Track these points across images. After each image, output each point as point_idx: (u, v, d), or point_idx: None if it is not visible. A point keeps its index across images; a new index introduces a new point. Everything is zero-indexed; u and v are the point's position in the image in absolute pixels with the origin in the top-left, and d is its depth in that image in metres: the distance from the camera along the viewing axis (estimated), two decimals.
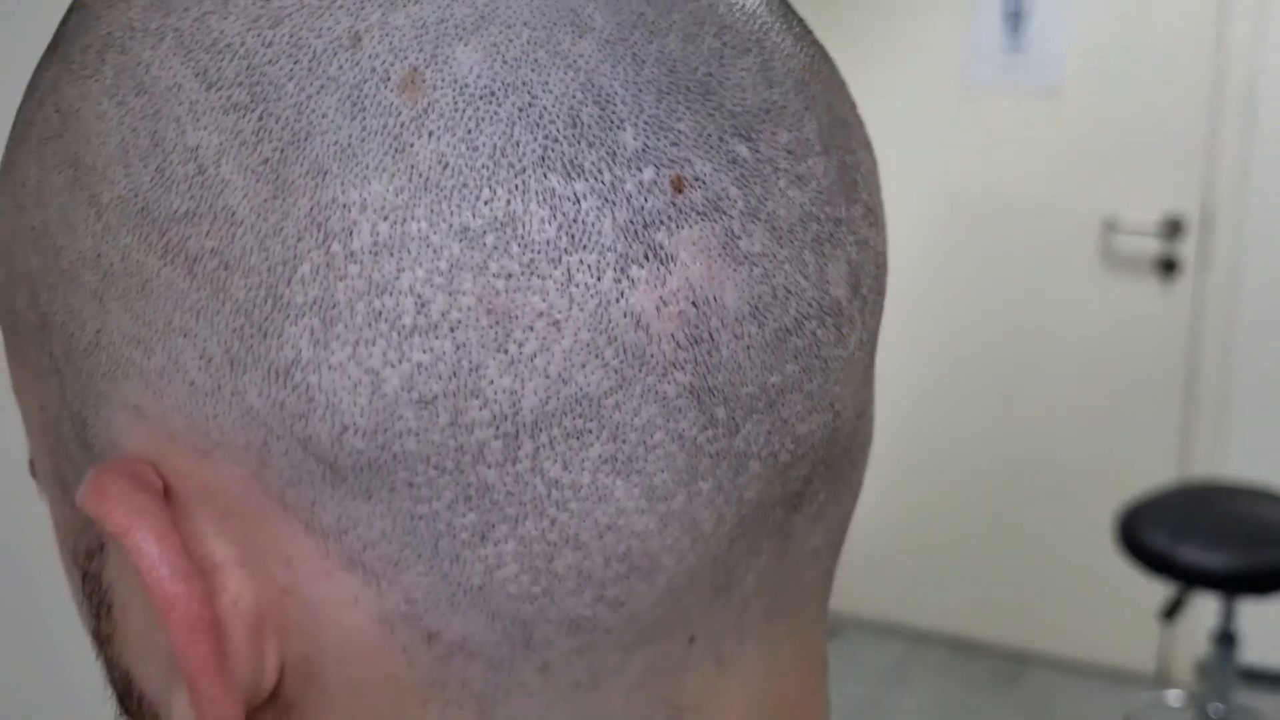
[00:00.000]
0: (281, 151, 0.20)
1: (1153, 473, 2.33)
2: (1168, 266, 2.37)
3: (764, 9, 0.23)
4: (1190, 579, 1.77)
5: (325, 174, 0.19)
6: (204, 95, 0.20)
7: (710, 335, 0.20)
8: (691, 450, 0.21)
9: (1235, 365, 2.32)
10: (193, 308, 0.20)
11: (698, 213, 0.20)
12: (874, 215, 0.24)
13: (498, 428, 0.20)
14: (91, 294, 0.22)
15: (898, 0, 2.53)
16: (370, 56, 0.20)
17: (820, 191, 0.22)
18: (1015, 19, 2.44)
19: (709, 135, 0.21)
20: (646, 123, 0.20)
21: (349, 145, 0.19)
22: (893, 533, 2.70)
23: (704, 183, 0.20)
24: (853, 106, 0.25)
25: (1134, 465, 2.38)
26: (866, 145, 0.25)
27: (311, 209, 0.20)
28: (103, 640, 0.25)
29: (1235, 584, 1.75)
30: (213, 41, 0.20)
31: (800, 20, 0.25)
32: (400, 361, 0.20)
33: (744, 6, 0.23)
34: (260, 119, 0.20)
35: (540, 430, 0.20)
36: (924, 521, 2.68)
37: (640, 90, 0.20)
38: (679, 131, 0.20)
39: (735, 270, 0.21)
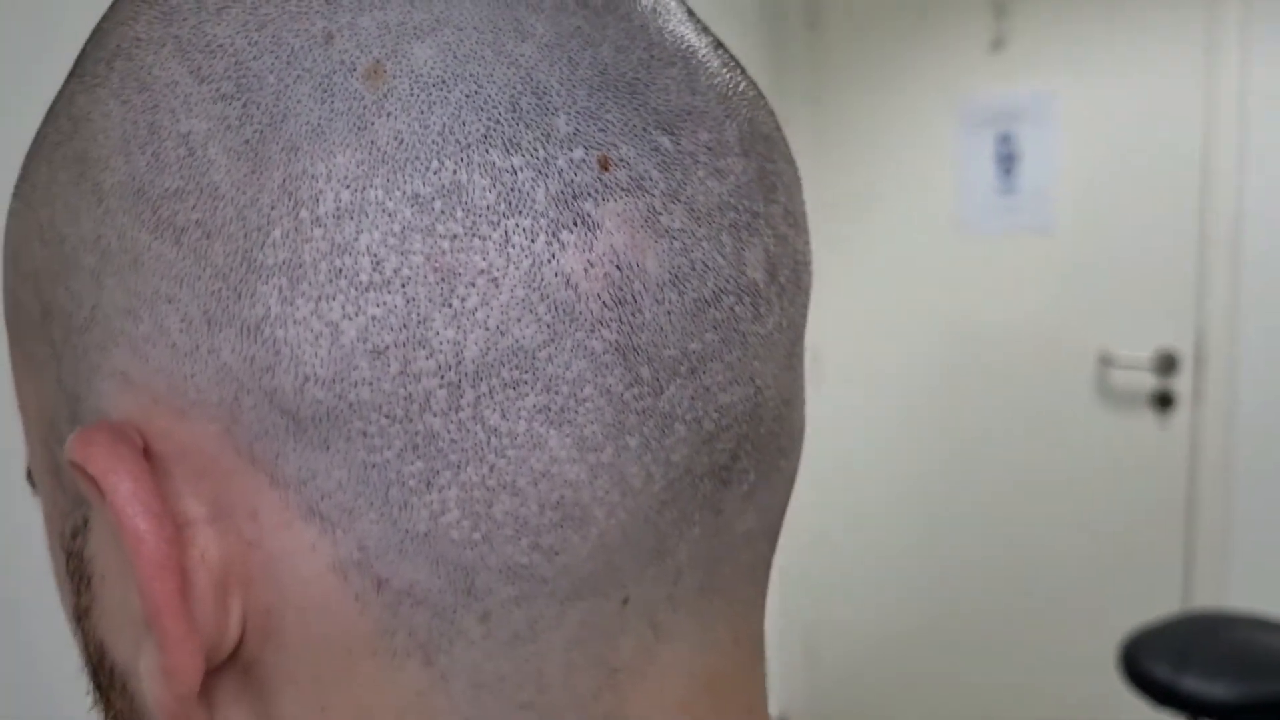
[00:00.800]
0: (260, 133, 0.23)
1: (1156, 604, 2.31)
2: (1163, 401, 2.40)
3: (691, 34, 0.27)
4: (1194, 710, 1.74)
5: (297, 150, 0.22)
6: (196, 88, 0.23)
7: (633, 297, 0.23)
8: (619, 405, 0.23)
9: (1234, 496, 2.32)
10: (178, 276, 0.23)
11: (622, 189, 0.23)
12: (793, 218, 0.27)
13: (442, 377, 0.22)
14: (90, 274, 0.24)
15: (896, 139, 2.62)
16: (340, 51, 0.23)
17: (738, 186, 0.25)
18: (1008, 161, 2.52)
19: (634, 126, 0.24)
20: (578, 112, 0.23)
21: (319, 125, 0.22)
22: (895, 664, 2.66)
23: (628, 164, 0.23)
24: (776, 126, 0.28)
25: (1137, 597, 2.36)
26: (788, 158, 0.28)
27: (284, 180, 0.22)
28: (80, 615, 0.27)
29: (1240, 714, 1.72)
30: (206, 43, 0.24)
31: (728, 51, 0.28)
32: (356, 315, 0.22)
33: (672, 30, 0.26)
34: (244, 106, 0.23)
35: (481, 380, 0.22)
36: (927, 652, 2.64)
37: (574, 86, 0.23)
38: (607, 121, 0.23)
39: (656, 241, 0.23)
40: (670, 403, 0.24)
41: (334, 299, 0.22)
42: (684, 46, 0.26)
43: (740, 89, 0.27)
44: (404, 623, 0.24)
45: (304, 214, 0.22)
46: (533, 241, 0.22)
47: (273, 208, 0.22)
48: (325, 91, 0.23)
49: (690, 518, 0.25)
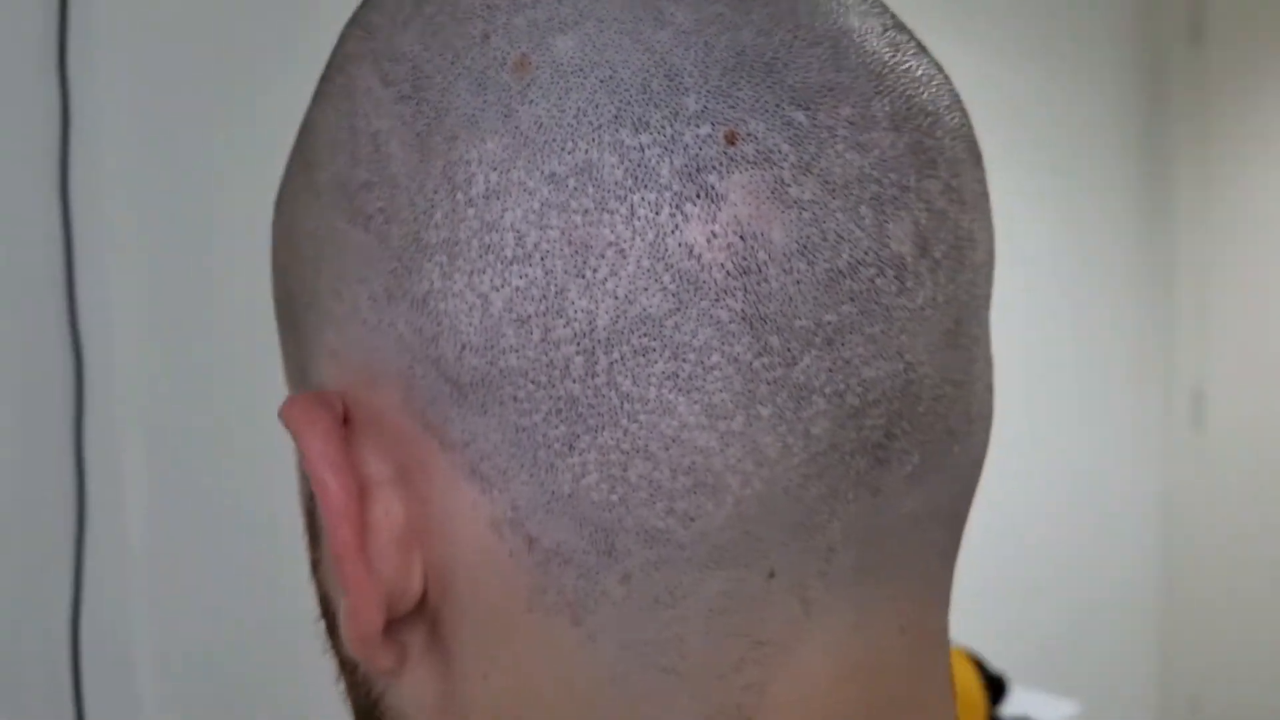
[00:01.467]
0: (429, 126, 0.25)
1: None
2: None
3: (854, 18, 0.27)
4: None
5: (455, 139, 0.25)
6: (383, 92, 0.26)
7: (758, 267, 0.23)
8: (747, 374, 0.24)
9: None
10: (366, 258, 0.26)
11: (748, 161, 0.24)
12: (957, 194, 0.26)
13: (578, 344, 0.24)
14: (310, 263, 0.28)
15: None
16: (493, 48, 0.25)
17: (884, 160, 0.25)
18: None
19: (766, 102, 0.24)
20: (709, 91, 0.24)
21: (473, 115, 0.25)
22: None
23: (756, 138, 0.24)
24: (950, 103, 0.28)
25: None
26: (959, 134, 0.27)
27: (444, 167, 0.25)
28: (313, 568, 0.31)
29: None
30: (392, 53, 0.27)
31: (909, 35, 0.28)
32: (503, 286, 0.24)
33: (827, 11, 0.26)
34: (417, 104, 0.26)
35: (612, 347, 0.24)
36: None
37: (708, 68, 0.24)
38: (737, 98, 0.24)
39: (783, 212, 0.24)
40: (805, 374, 0.24)
41: (484, 273, 0.24)
42: (836, 27, 0.26)
43: (903, 67, 0.27)
44: (554, 581, 0.25)
45: (459, 196, 0.24)
46: (657, 214, 0.23)
47: (435, 192, 0.25)
48: (480, 85, 0.25)
49: (842, 494, 0.25)
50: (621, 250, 0.23)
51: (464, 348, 0.25)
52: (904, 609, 0.27)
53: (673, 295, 0.23)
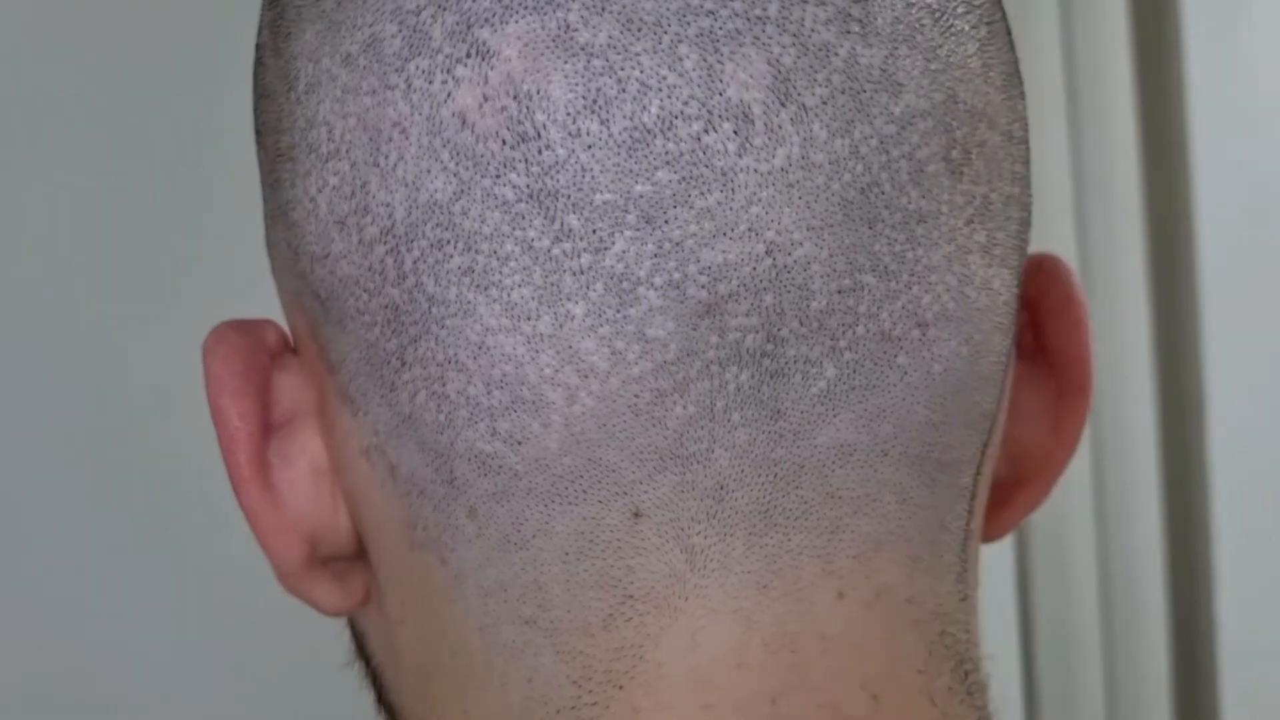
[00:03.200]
0: (280, 29, 0.24)
1: None
2: None
3: None
4: None
5: (289, 36, 0.23)
6: (262, 4, 0.25)
7: (536, 131, 0.20)
8: (547, 264, 0.20)
9: None
10: (262, 176, 0.25)
11: (526, 7, 0.20)
12: (862, 23, 0.21)
13: (386, 243, 0.21)
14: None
15: None
16: None
17: None
18: None
19: None
20: None
21: (300, 7, 0.23)
22: None
23: None
24: None
25: None
26: None
27: (282, 66, 0.23)
28: None
29: None
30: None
31: None
32: (324, 187, 0.22)
33: None
34: (278, 9, 0.24)
35: (412, 242, 0.21)
36: None
37: None
38: None
39: (565, 62, 0.20)
40: (622, 261, 0.20)
41: (309, 174, 0.22)
42: None
43: None
44: (418, 514, 0.23)
45: (291, 95, 0.23)
46: (430, 82, 0.20)
47: (281, 94, 0.23)
48: None
49: (722, 415, 0.21)
50: (405, 129, 0.21)
51: (313, 258, 0.23)
52: (843, 569, 0.22)
53: (454, 175, 0.20)
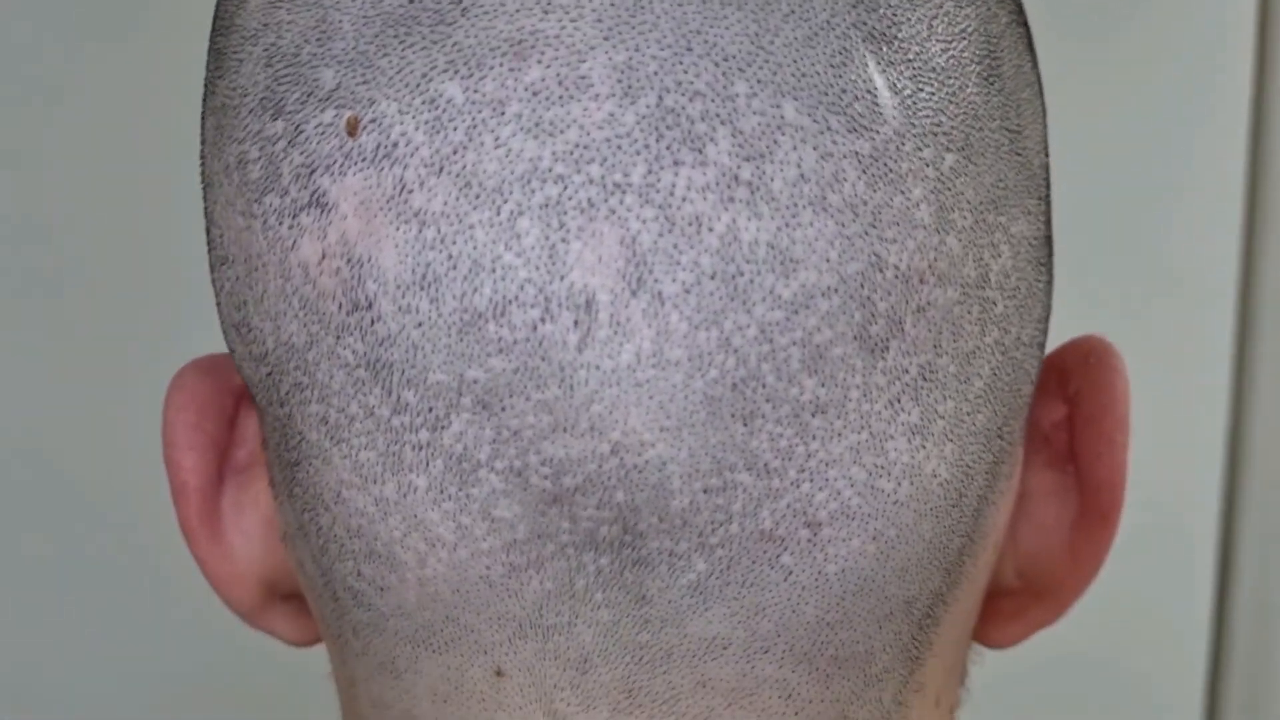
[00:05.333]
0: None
1: None
2: None
3: None
4: None
5: (204, 114, 0.22)
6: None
7: (369, 301, 0.18)
8: (388, 433, 0.19)
9: None
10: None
11: (365, 159, 0.18)
12: (745, 188, 0.17)
13: (265, 364, 0.20)
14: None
15: None
16: (220, 6, 0.22)
17: (582, 146, 0.17)
18: None
19: (411, 73, 0.18)
20: (352, 59, 0.18)
21: (207, 85, 0.22)
22: None
23: (381, 125, 0.18)
24: (815, 35, 0.18)
25: None
26: (800, 92, 0.18)
27: (199, 146, 0.22)
28: None
29: None
30: None
31: None
32: (221, 288, 0.21)
33: None
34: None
35: (282, 375, 0.20)
36: None
37: (365, 23, 0.18)
38: (378, 69, 0.18)
39: (397, 229, 0.18)
40: (460, 442, 0.18)
41: (214, 268, 0.22)
42: None
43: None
44: (320, 610, 0.23)
45: (201, 181, 0.22)
46: (280, 223, 0.19)
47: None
48: (209, 52, 0.22)
49: (583, 595, 0.19)
50: (265, 265, 0.19)
51: (232, 349, 0.22)
52: None
53: (304, 325, 0.19)
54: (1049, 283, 0.22)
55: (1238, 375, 0.69)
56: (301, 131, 0.19)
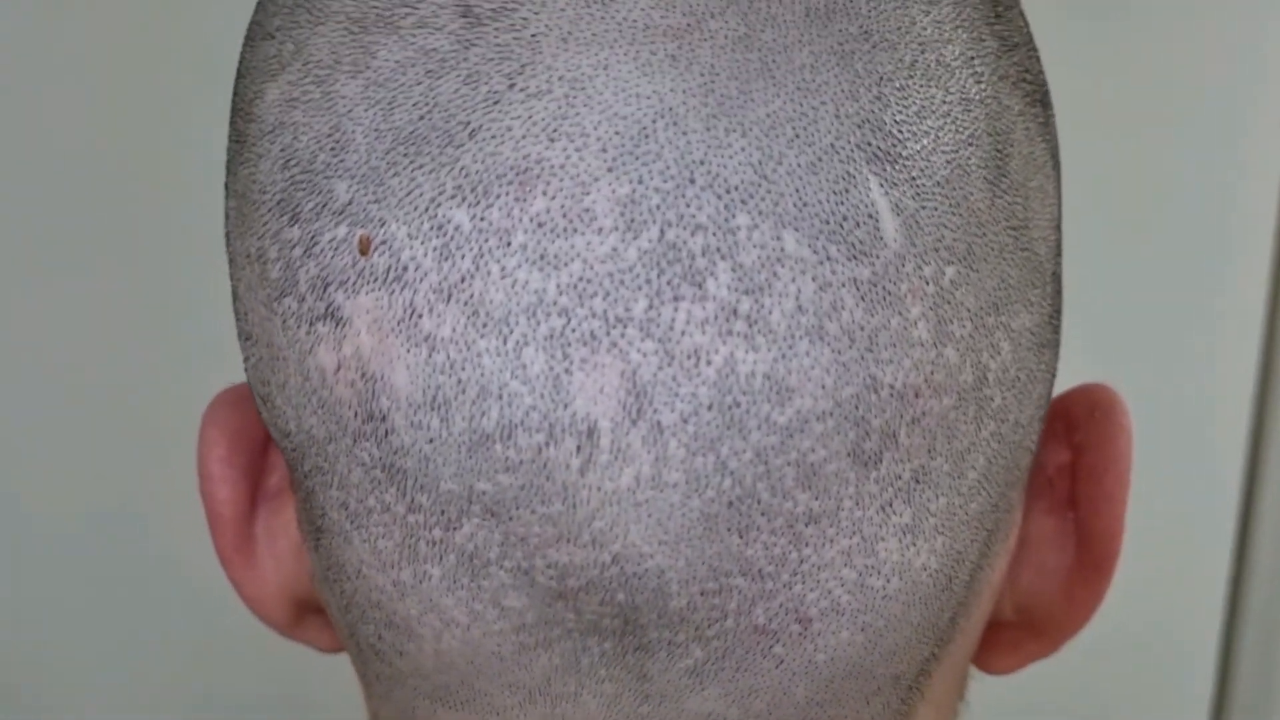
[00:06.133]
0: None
1: None
2: None
3: (648, 42, 0.18)
4: None
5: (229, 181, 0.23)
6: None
7: (382, 414, 0.19)
8: (404, 528, 0.20)
9: None
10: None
11: (376, 279, 0.19)
12: (743, 321, 0.18)
13: (289, 441, 0.21)
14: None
15: None
16: (239, 89, 0.22)
17: (585, 280, 0.18)
18: None
19: (420, 196, 0.18)
20: (364, 175, 0.19)
21: (228, 164, 0.22)
22: None
23: (391, 247, 0.18)
24: (829, 171, 0.18)
25: None
26: (802, 222, 0.18)
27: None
28: None
29: None
30: None
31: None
32: (247, 358, 0.22)
33: (598, 32, 0.18)
34: None
35: (304, 458, 0.21)
36: None
37: (378, 137, 0.19)
38: (389, 187, 0.18)
39: (408, 351, 0.18)
40: (471, 543, 0.19)
41: (240, 336, 0.22)
42: (594, 63, 0.18)
43: (692, 120, 0.18)
44: (347, 648, 0.24)
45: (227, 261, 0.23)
46: (298, 326, 0.20)
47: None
48: (230, 133, 0.22)
49: (589, 670, 0.20)
50: (285, 359, 0.20)
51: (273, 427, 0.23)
52: None
53: (323, 422, 0.20)
54: (1054, 355, 0.23)
55: (1263, 379, 0.68)
56: (316, 243, 0.19)
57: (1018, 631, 0.26)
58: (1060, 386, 0.24)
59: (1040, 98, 0.22)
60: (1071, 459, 0.24)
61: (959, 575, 0.21)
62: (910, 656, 0.22)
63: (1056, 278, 0.22)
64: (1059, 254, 0.23)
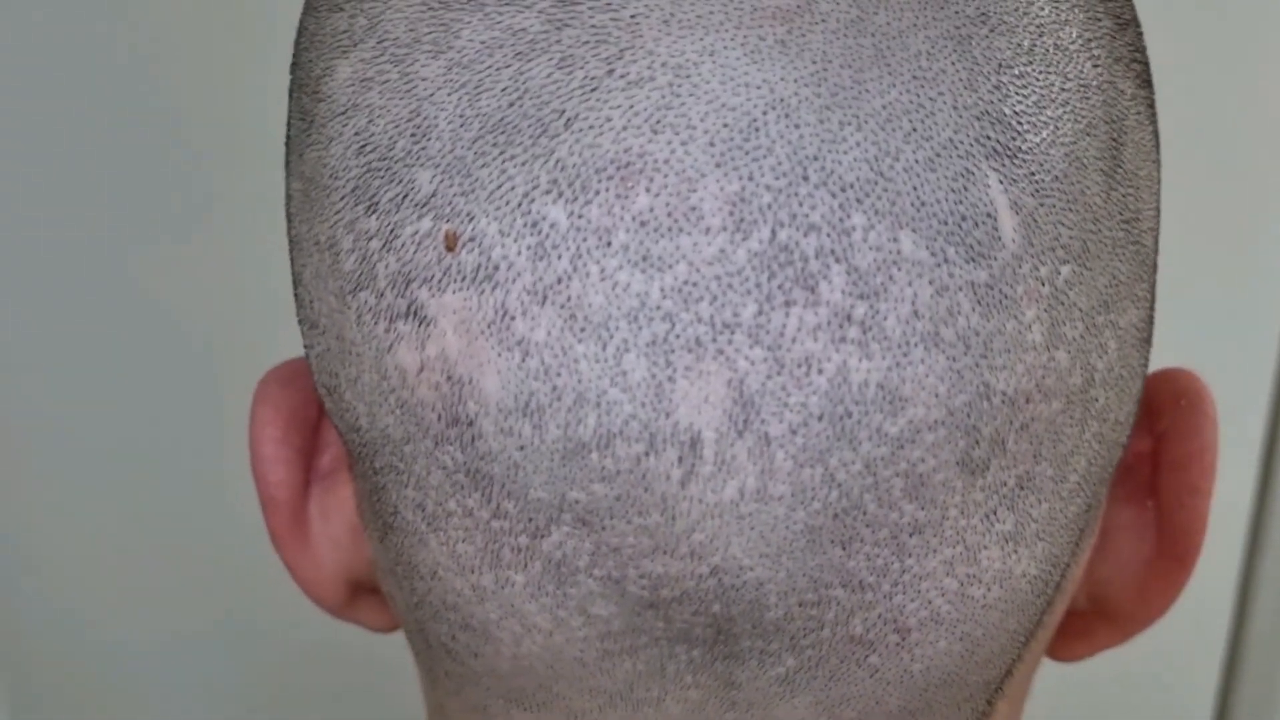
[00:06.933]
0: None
1: None
2: None
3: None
4: None
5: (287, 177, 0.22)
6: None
7: (469, 419, 0.18)
8: (487, 533, 0.19)
9: None
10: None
11: (465, 278, 0.17)
12: (857, 327, 0.17)
13: (357, 435, 0.21)
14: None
15: None
16: (303, 65, 0.21)
17: (691, 283, 0.17)
18: None
19: (512, 190, 0.17)
20: (450, 164, 0.18)
21: (290, 143, 0.21)
22: None
23: (480, 244, 0.17)
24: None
25: None
26: (918, 223, 0.17)
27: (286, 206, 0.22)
28: None
29: None
30: None
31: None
32: (312, 348, 0.21)
33: (701, 15, 0.17)
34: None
35: (375, 454, 0.20)
36: None
37: (464, 124, 0.17)
38: (477, 180, 0.17)
39: (500, 355, 0.17)
40: (560, 550, 0.18)
41: (304, 324, 0.22)
42: (700, 48, 0.17)
43: (806, 112, 0.16)
44: (410, 640, 0.24)
45: (289, 241, 0.22)
46: (376, 323, 0.19)
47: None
48: (294, 109, 0.21)
49: (674, 677, 0.20)
50: (359, 354, 0.19)
51: (316, 380, 0.22)
52: None
53: (400, 422, 0.19)
54: (1149, 348, 0.22)
55: (1278, 389, 0.67)
56: (397, 236, 0.18)
57: (1089, 619, 0.25)
58: None
59: (1149, 77, 0.21)
60: (1153, 447, 0.24)
61: (1053, 579, 0.21)
62: (1002, 662, 0.21)
63: (1156, 267, 0.21)
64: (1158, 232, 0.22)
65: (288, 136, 0.21)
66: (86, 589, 0.68)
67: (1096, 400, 0.19)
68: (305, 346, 0.22)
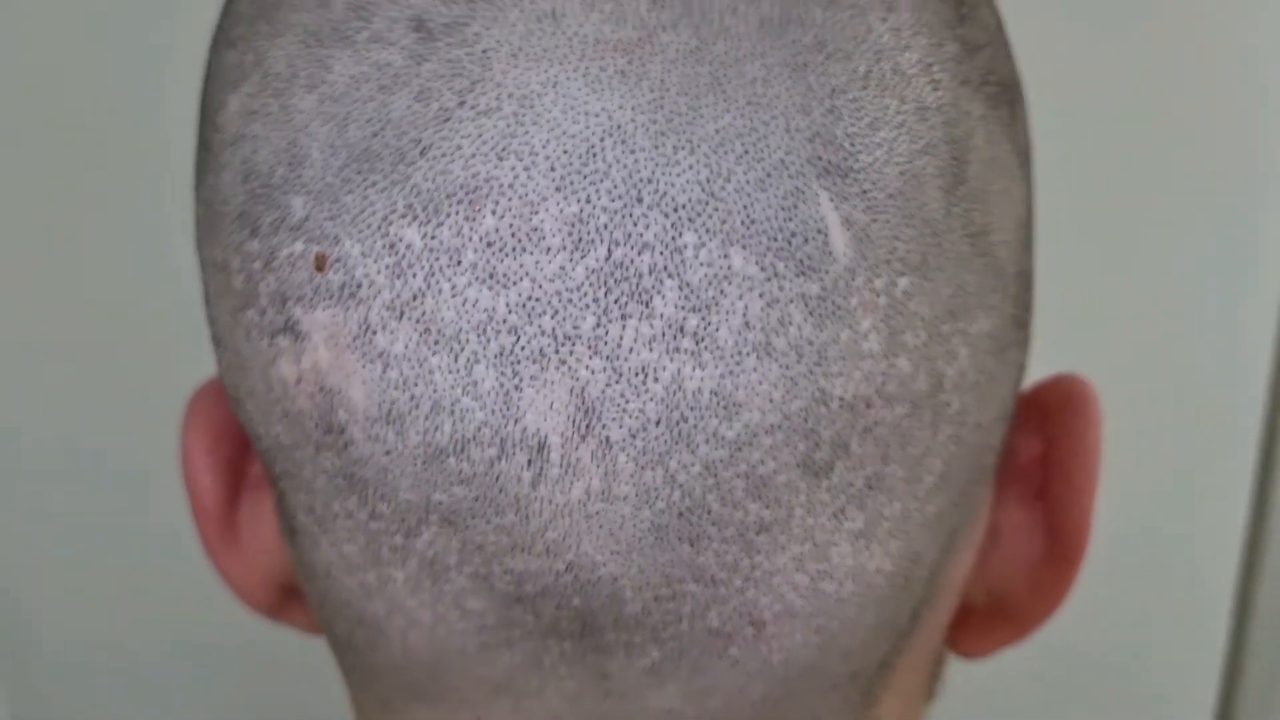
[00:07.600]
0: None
1: None
2: None
3: (598, 55, 0.18)
4: None
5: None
6: None
7: (340, 427, 0.19)
8: (367, 533, 0.20)
9: None
10: None
11: (332, 296, 0.19)
12: (690, 338, 0.18)
13: (260, 442, 0.22)
14: None
15: None
16: (206, 92, 0.22)
17: (534, 299, 0.18)
18: None
19: (372, 214, 0.18)
20: (319, 190, 0.19)
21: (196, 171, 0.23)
22: None
23: (346, 265, 0.19)
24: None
25: None
26: (749, 239, 0.18)
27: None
28: None
29: None
30: None
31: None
32: (219, 362, 0.23)
33: (548, 47, 0.18)
34: None
35: (271, 460, 0.22)
36: None
37: (333, 153, 0.19)
38: (342, 205, 0.19)
39: (364, 366, 0.19)
40: (431, 549, 0.20)
41: (213, 340, 0.23)
42: (545, 79, 0.18)
43: (638, 139, 0.18)
44: (327, 638, 0.25)
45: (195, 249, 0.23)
46: (260, 338, 0.20)
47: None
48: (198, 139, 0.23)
49: (550, 669, 0.21)
50: (250, 368, 0.21)
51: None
52: None
53: (287, 430, 0.20)
54: (1020, 353, 0.23)
55: (1275, 376, 0.67)
56: (275, 257, 0.19)
57: (989, 617, 0.26)
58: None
59: (1008, 98, 0.22)
60: (1043, 450, 0.25)
61: (917, 574, 0.22)
62: (868, 654, 0.22)
63: (1023, 276, 0.22)
64: (1028, 251, 0.23)
65: (195, 166, 0.22)
66: (87, 591, 0.70)
67: (949, 405, 0.20)
68: (217, 361, 0.23)
